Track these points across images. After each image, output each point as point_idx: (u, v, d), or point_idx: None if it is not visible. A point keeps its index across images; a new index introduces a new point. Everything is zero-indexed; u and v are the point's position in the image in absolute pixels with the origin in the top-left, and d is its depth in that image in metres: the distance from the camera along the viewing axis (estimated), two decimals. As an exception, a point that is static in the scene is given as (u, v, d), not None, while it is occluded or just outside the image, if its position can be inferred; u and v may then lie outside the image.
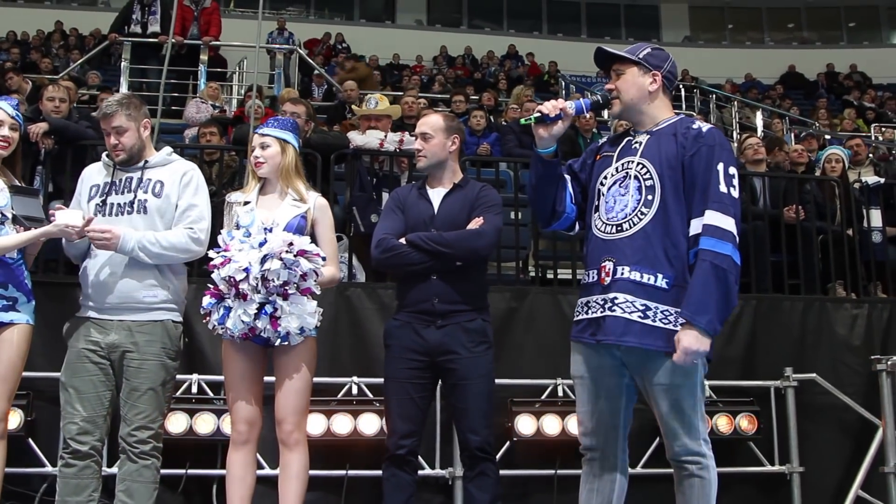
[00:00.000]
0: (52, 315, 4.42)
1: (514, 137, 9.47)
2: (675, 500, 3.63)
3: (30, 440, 5.49)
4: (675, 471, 3.61)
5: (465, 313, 4.32)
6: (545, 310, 6.38)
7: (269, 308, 4.05)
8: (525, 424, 5.82)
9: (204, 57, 12.98)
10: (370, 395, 5.83)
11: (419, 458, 5.58)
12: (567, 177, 3.86)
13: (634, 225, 3.55)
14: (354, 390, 5.88)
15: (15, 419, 5.31)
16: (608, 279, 3.55)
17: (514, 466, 5.87)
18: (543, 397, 6.02)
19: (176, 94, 12.91)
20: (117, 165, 4.35)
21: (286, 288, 4.06)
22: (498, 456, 5.64)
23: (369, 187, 6.88)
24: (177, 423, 5.51)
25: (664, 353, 3.48)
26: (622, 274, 3.52)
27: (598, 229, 3.67)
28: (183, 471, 5.56)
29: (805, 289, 7.14)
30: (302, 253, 4.08)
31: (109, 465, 5.14)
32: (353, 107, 8.75)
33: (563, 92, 17.16)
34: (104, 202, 4.29)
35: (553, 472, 5.79)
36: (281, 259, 4.02)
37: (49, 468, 5.39)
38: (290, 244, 4.06)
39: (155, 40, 12.18)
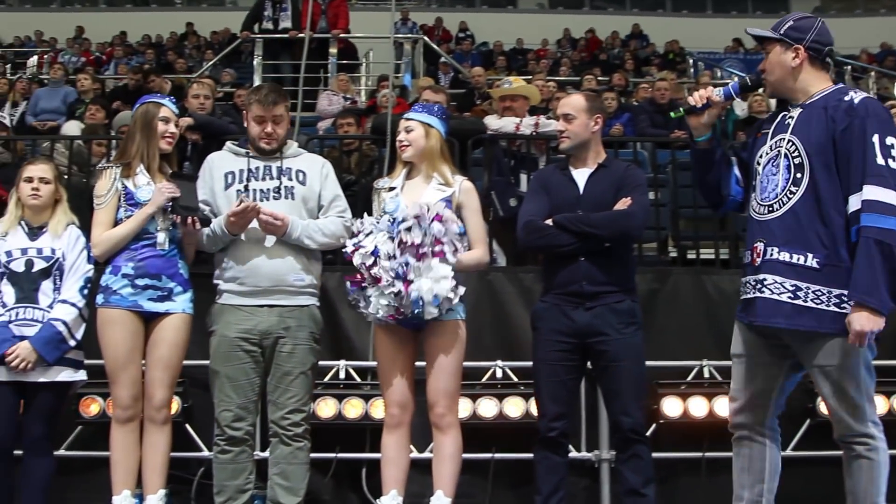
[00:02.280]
0: (203, 305, 4.55)
1: (646, 117, 9.35)
2: (844, 481, 3.56)
3: (187, 426, 5.69)
4: (843, 452, 3.56)
5: (614, 294, 4.30)
6: (688, 291, 6.28)
7: (400, 269, 4.06)
8: (671, 406, 5.73)
9: (333, 49, 13.15)
10: (515, 379, 5.83)
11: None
12: (734, 159, 3.85)
13: (784, 205, 3.52)
14: (499, 374, 5.90)
15: (173, 406, 5.49)
16: (759, 259, 3.53)
17: (661, 449, 5.76)
18: (689, 379, 5.92)
19: (307, 88, 13.12)
20: (251, 154, 4.48)
21: (420, 249, 4.07)
22: (644, 439, 5.63)
23: (507, 171, 6.87)
24: (326, 408, 5.63)
25: (821, 334, 3.43)
26: (771, 255, 3.50)
27: (753, 210, 3.65)
28: (333, 455, 5.68)
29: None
30: (438, 217, 4.11)
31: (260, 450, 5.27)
32: (490, 90, 8.76)
33: (692, 70, 16.85)
34: (246, 188, 4.42)
35: (701, 454, 5.69)
36: (416, 218, 4.06)
37: (206, 452, 5.55)
38: (426, 206, 4.11)
39: (286, 35, 12.41)
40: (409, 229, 4.06)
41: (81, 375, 4.55)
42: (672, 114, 3.92)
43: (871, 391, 3.50)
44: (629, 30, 21.85)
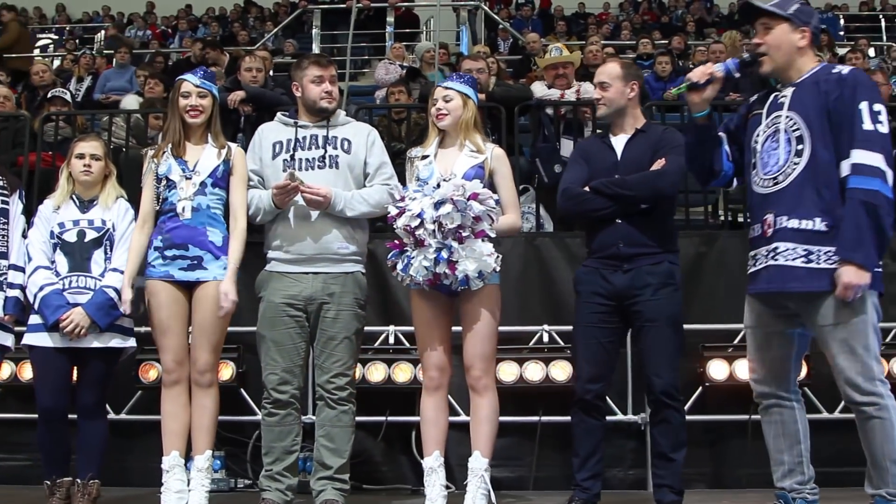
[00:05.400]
0: (257, 273, 4.68)
1: (703, 80, 9.25)
2: (861, 444, 3.64)
3: (242, 390, 5.87)
4: (855, 415, 3.63)
5: (651, 256, 4.34)
6: (736, 254, 6.21)
7: (444, 253, 4.15)
8: (717, 369, 5.75)
9: (390, 18, 13.22)
10: (561, 343, 5.90)
11: (611, 403, 5.65)
12: (723, 135, 3.99)
13: (788, 176, 3.66)
14: (545, 338, 5.97)
15: (228, 371, 5.69)
16: (770, 230, 3.66)
17: (707, 412, 5.82)
18: (736, 342, 5.91)
19: (367, 57, 13.25)
20: (299, 123, 4.59)
21: (460, 231, 4.15)
22: (690, 402, 5.65)
23: (552, 138, 6.93)
24: (376, 372, 5.77)
25: (830, 292, 3.53)
26: (782, 223, 3.62)
27: (758, 185, 3.77)
28: (383, 418, 5.81)
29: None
30: (474, 196, 4.17)
31: (305, 413, 5.38)
32: (537, 58, 8.81)
33: (754, 31, 16.57)
34: (292, 157, 4.53)
35: (747, 417, 5.70)
36: (453, 202, 4.12)
37: (260, 416, 5.71)
38: (461, 187, 4.16)
39: (343, 6, 12.51)
40: (447, 213, 4.12)
41: (131, 342, 4.73)
42: (674, 90, 4.05)
43: (878, 351, 3.58)
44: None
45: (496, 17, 16.01)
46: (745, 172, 3.89)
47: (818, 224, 3.56)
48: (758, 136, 3.79)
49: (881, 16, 16.22)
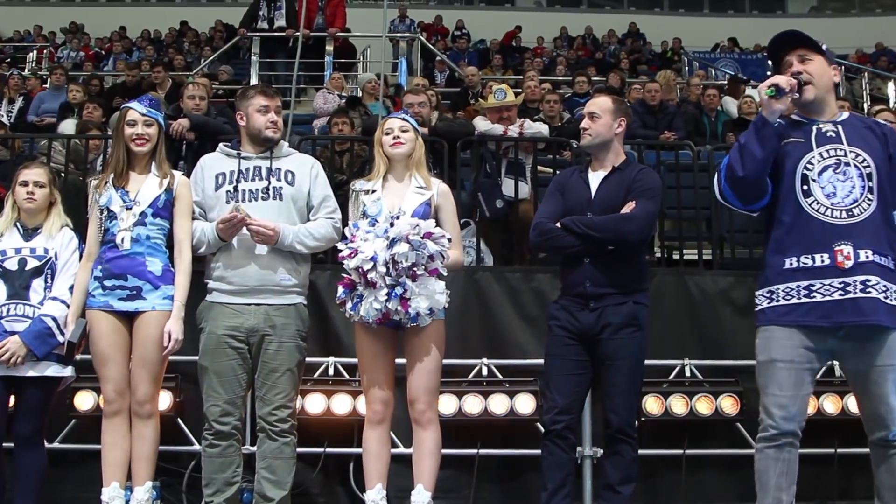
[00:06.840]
0: (196, 303, 4.65)
1: (636, 118, 9.42)
2: (882, 479, 3.73)
3: (179, 420, 5.80)
4: (880, 451, 3.72)
5: (616, 296, 4.39)
6: (671, 291, 6.37)
7: (398, 290, 4.20)
8: (652, 405, 5.84)
9: (330, 48, 13.25)
10: (499, 376, 5.94)
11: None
12: None
13: (864, 211, 3.73)
14: (484, 371, 6.00)
15: (165, 400, 5.62)
16: (849, 262, 3.67)
17: (642, 446, 5.83)
18: (671, 378, 6.03)
19: (304, 86, 13.26)
20: (242, 155, 4.60)
21: (414, 269, 4.21)
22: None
23: (494, 173, 7.01)
24: (315, 404, 5.73)
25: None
26: (867, 257, 3.67)
27: (819, 213, 3.75)
28: (321, 449, 5.79)
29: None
30: (428, 235, 4.23)
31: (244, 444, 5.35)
32: (481, 100, 8.91)
33: (687, 69, 16.94)
34: (236, 189, 4.53)
35: (681, 451, 5.81)
36: (408, 241, 4.18)
37: (197, 446, 5.62)
38: (417, 227, 4.22)
39: (282, 34, 12.52)
40: (402, 252, 4.16)
41: (69, 372, 4.67)
42: (766, 92, 3.74)
43: None
44: (626, 28, 21.90)
45: (433, 48, 16.14)
46: (784, 198, 3.82)
47: (889, 261, 3.70)
48: (810, 163, 3.79)
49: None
